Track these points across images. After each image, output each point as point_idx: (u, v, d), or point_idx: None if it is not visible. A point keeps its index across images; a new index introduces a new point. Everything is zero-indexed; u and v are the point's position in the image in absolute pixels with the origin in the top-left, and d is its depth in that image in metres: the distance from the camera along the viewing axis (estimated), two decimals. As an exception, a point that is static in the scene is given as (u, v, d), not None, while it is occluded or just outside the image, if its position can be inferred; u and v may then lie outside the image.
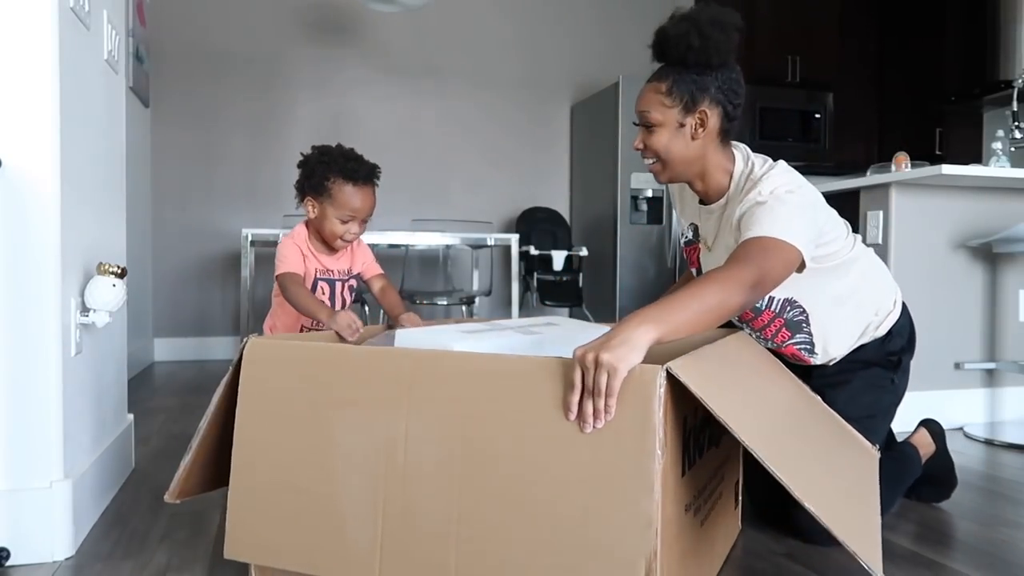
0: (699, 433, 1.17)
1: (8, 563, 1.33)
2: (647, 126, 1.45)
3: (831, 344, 1.59)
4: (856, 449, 1.41)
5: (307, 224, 1.86)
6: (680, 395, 0.99)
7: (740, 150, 1.51)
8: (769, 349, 1.61)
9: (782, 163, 1.46)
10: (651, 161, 1.48)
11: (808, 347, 1.59)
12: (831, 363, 1.63)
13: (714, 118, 1.43)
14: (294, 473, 1.15)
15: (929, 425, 1.83)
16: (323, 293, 1.86)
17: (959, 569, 1.39)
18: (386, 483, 1.08)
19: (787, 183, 1.38)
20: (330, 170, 1.76)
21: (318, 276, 1.85)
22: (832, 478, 1.16)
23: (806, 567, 1.38)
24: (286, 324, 1.87)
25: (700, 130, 1.43)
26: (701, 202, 1.57)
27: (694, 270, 1.67)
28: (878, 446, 1.57)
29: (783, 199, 1.34)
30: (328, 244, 1.84)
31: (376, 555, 1.06)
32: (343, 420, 1.13)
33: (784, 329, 1.56)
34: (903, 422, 2.25)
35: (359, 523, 1.08)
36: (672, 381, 0.97)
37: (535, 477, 0.99)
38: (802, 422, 1.28)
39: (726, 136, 1.46)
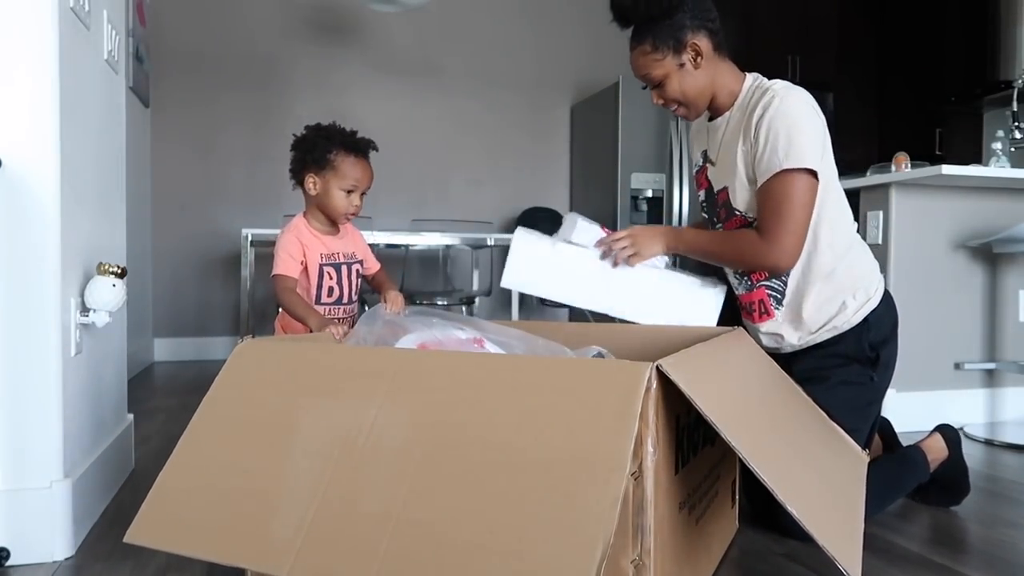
0: (693, 431, 1.17)
1: (8, 563, 1.33)
2: (656, 86, 1.57)
3: (802, 306, 1.60)
4: (845, 452, 1.41)
5: (304, 214, 1.89)
6: (673, 393, 0.99)
7: (752, 74, 1.62)
8: (740, 293, 1.68)
9: (787, 82, 1.56)
10: (674, 108, 1.61)
11: (778, 296, 1.62)
12: (794, 337, 1.63)
13: (703, 42, 1.54)
14: (240, 459, 1.08)
15: (944, 431, 1.77)
16: (330, 279, 1.86)
17: (959, 569, 1.39)
18: (336, 468, 1.01)
19: (796, 94, 1.50)
20: (332, 143, 1.81)
21: (323, 262, 1.85)
22: (817, 480, 1.16)
23: (806, 567, 1.38)
24: (296, 325, 1.86)
25: (699, 59, 1.54)
26: (710, 119, 1.67)
27: (702, 192, 1.74)
28: (867, 450, 1.58)
29: (787, 113, 1.47)
30: (333, 221, 1.87)
31: (297, 541, 0.96)
32: (311, 411, 1.09)
33: None
34: (904, 422, 2.25)
35: (291, 509, 1.00)
36: (664, 379, 0.97)
37: (504, 462, 0.93)
38: (791, 423, 1.28)
39: (720, 47, 1.57)
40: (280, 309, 1.91)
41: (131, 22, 3.33)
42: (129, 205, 2.07)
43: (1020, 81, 2.97)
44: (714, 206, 1.68)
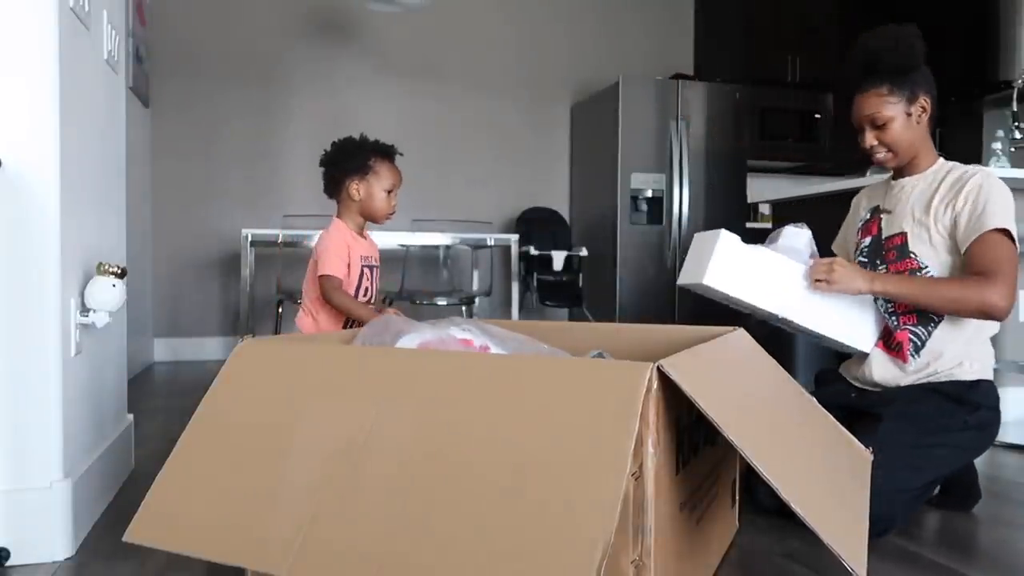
0: (693, 431, 1.17)
1: (8, 563, 1.33)
2: (878, 126, 1.71)
3: (932, 356, 1.67)
4: (849, 451, 1.41)
5: (340, 218, 2.05)
6: (674, 393, 0.99)
7: (941, 157, 1.76)
8: (884, 330, 1.73)
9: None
10: (882, 153, 1.73)
11: (917, 344, 1.68)
12: (907, 381, 1.69)
13: (930, 103, 1.70)
14: (240, 458, 1.07)
15: None
16: (367, 279, 2.03)
17: (960, 570, 1.39)
18: (336, 468, 1.00)
19: (997, 177, 1.64)
20: (369, 150, 2.03)
21: (363, 263, 2.02)
22: (821, 478, 1.16)
23: (806, 567, 1.38)
24: (329, 321, 2.00)
25: (924, 115, 1.70)
26: (893, 178, 1.81)
27: (868, 239, 1.82)
28: (938, 487, 1.65)
29: (996, 185, 1.61)
30: (371, 221, 2.07)
31: (297, 541, 0.96)
32: (311, 411, 1.09)
33: (915, 312, 1.67)
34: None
35: (291, 509, 0.99)
36: (664, 379, 0.97)
37: (504, 462, 0.93)
38: (794, 422, 1.28)
39: (932, 121, 1.73)
40: (304, 305, 2.05)
41: (131, 22, 3.33)
42: (129, 205, 2.06)
43: (1020, 81, 2.97)
44: (880, 249, 1.77)
